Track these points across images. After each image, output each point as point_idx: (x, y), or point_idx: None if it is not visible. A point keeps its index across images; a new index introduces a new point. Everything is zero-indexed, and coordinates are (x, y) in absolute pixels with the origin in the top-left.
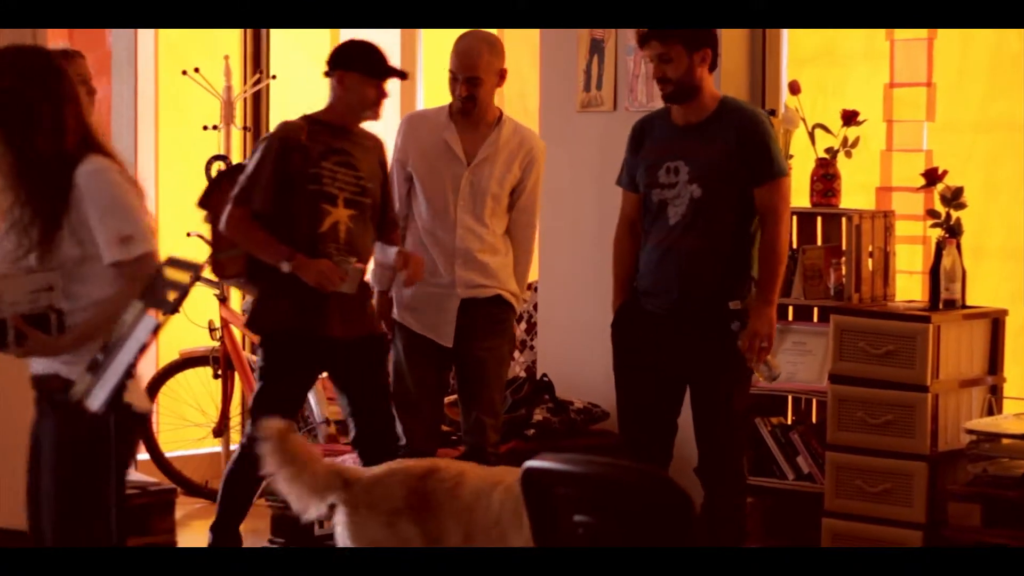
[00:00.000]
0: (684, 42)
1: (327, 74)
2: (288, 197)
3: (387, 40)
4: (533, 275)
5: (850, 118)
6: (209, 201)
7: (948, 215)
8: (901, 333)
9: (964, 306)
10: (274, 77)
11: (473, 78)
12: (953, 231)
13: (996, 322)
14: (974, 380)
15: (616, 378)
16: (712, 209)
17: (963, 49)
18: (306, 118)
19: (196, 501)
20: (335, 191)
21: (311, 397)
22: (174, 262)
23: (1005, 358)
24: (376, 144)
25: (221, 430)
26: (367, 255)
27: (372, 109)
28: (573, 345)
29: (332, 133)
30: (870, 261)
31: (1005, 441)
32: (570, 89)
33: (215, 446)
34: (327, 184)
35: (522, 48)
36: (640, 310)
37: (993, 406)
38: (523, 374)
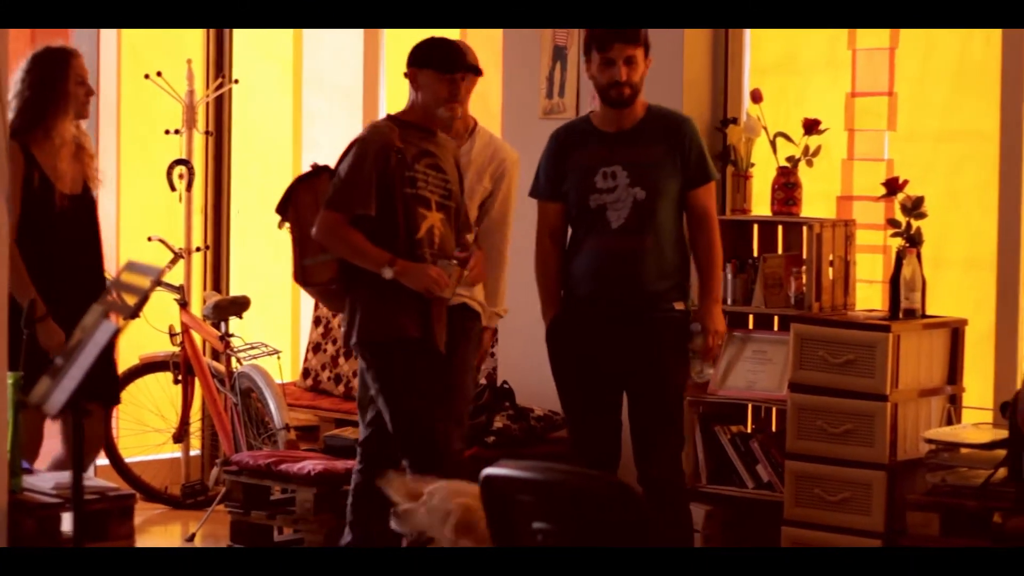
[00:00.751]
0: (645, 45)
1: (406, 75)
2: (386, 201)
3: (350, 41)
4: None
5: (811, 127)
6: (287, 207)
7: (908, 224)
8: (861, 342)
9: (924, 316)
10: (236, 81)
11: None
12: (913, 240)
13: (956, 332)
14: (933, 390)
15: (560, 385)
16: (655, 211)
17: (925, 58)
18: (391, 119)
19: (155, 507)
20: (428, 194)
21: (271, 402)
22: (133, 267)
23: (965, 368)
24: (453, 145)
25: (181, 436)
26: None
27: (446, 106)
28: (534, 353)
29: (419, 135)
30: (830, 270)
31: (964, 451)
32: (533, 96)
33: (175, 452)
34: (421, 187)
35: (485, 54)
36: (580, 316)
37: (952, 416)
38: (484, 381)
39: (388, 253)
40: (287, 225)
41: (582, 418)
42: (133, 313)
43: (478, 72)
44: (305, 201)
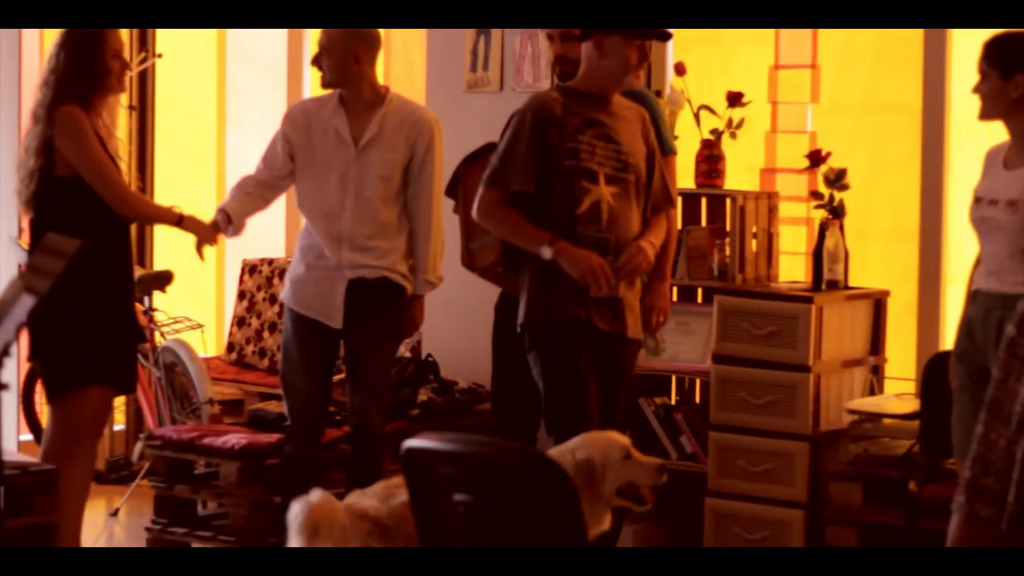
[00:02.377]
0: None
1: (580, 38)
2: (546, 176)
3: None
4: None
5: (735, 99)
6: (456, 189)
7: (832, 197)
8: (784, 314)
9: (847, 287)
10: (160, 55)
11: (322, 49)
12: (836, 212)
13: (878, 303)
14: (856, 360)
15: (494, 349)
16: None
17: (848, 32)
18: (559, 88)
19: None
20: (595, 167)
21: (195, 376)
22: (51, 241)
23: (887, 339)
24: (638, 115)
25: None
26: (629, 236)
27: (634, 74)
28: (458, 326)
29: (587, 103)
30: (754, 242)
31: (886, 421)
32: (457, 69)
33: None
34: (585, 159)
35: (409, 28)
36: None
37: (875, 386)
38: (408, 354)
39: (548, 232)
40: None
41: (510, 387)
42: (47, 290)
43: (667, 36)
44: (473, 181)
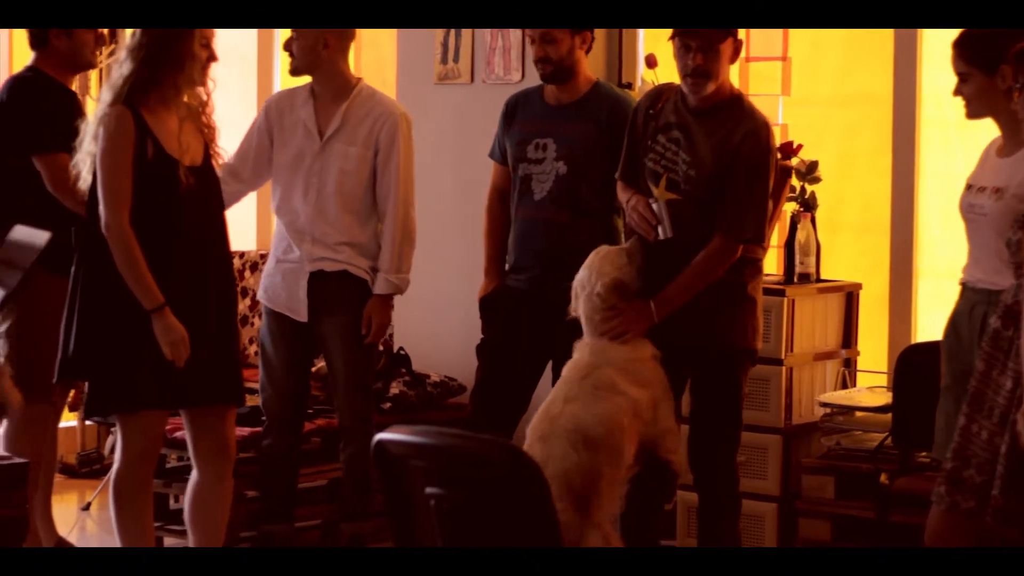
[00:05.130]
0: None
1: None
2: (636, 168)
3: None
4: None
5: None
6: None
7: (803, 189)
8: None
9: (819, 280)
10: None
11: (293, 34)
12: (808, 205)
13: (850, 296)
14: (828, 353)
15: (478, 351)
16: (576, 186)
17: None
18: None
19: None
20: (660, 170)
21: None
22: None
23: (859, 331)
24: (739, 131)
25: (77, 404)
26: (686, 245)
27: (687, 80)
28: (430, 318)
29: (681, 108)
30: None
31: (858, 414)
32: (427, 61)
33: (71, 420)
34: (654, 160)
35: None
36: (506, 286)
37: (847, 379)
38: (380, 348)
39: None
40: None
41: (487, 389)
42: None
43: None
44: None
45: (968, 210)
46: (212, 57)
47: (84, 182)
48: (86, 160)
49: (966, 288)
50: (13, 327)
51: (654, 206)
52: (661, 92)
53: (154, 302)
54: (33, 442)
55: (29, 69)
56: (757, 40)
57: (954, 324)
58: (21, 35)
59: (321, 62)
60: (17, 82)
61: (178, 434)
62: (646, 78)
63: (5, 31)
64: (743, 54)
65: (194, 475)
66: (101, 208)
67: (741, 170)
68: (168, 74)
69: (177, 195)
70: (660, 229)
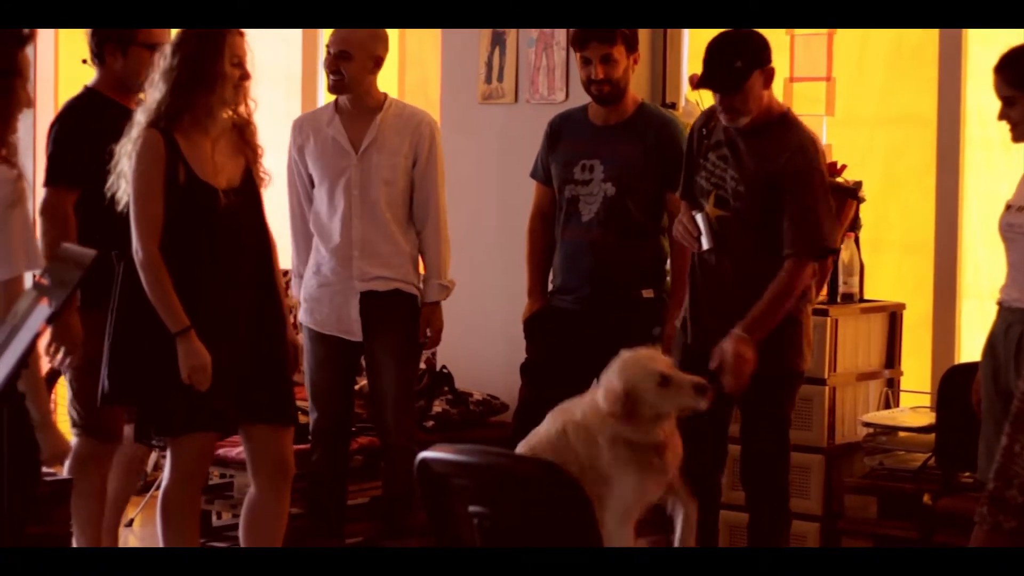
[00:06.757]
0: (626, 43)
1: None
2: (690, 184)
3: (289, 34)
4: None
5: None
6: None
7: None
8: None
9: (862, 300)
10: None
11: (342, 52)
12: (852, 225)
13: (893, 316)
14: (871, 373)
15: (522, 371)
16: (624, 207)
17: (862, 44)
18: None
19: None
20: (709, 187)
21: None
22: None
23: (902, 352)
24: (787, 151)
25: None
26: (738, 263)
27: (724, 110)
28: (473, 337)
29: (739, 126)
30: None
31: (901, 434)
32: (471, 81)
33: None
34: (703, 178)
35: (424, 38)
36: (552, 307)
37: (890, 399)
38: (423, 366)
39: None
40: None
41: (532, 411)
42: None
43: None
44: None
45: (1007, 230)
46: (245, 76)
47: (120, 203)
48: (120, 182)
49: (1003, 308)
50: (74, 359)
51: (697, 217)
52: (715, 111)
53: (179, 325)
54: (98, 474)
55: (85, 89)
56: (801, 60)
57: (991, 345)
58: (68, 54)
59: (371, 79)
60: (64, 108)
61: (220, 451)
62: (690, 98)
63: (51, 53)
64: (787, 74)
65: (251, 491)
66: (132, 231)
67: (791, 187)
68: (200, 95)
69: (210, 219)
70: (702, 240)
